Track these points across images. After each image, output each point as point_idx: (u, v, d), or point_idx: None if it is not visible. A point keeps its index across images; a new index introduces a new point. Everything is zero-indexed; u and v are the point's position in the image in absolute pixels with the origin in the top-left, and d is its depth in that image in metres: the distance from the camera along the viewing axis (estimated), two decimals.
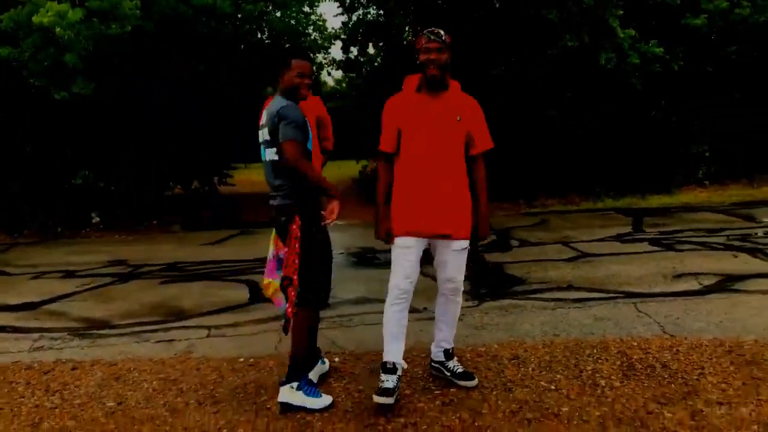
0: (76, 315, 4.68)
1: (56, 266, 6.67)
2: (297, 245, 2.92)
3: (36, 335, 4.21)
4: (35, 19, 7.64)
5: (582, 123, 10.10)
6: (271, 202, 3.07)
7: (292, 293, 2.94)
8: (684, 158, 10.60)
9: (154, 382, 3.34)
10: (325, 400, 2.96)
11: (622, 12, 8.73)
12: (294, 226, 2.93)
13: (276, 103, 2.99)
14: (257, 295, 4.96)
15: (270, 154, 3.02)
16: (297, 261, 2.92)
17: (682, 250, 5.80)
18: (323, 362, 3.35)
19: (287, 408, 2.90)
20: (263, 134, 3.05)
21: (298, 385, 2.94)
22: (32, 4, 7.85)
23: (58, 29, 7.67)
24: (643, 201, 9.42)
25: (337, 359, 3.55)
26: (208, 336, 4.06)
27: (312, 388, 2.98)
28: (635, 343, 3.56)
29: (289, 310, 2.93)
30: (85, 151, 9.45)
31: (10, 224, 9.29)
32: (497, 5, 10.60)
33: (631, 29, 8.69)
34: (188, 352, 3.78)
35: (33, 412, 3.01)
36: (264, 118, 3.06)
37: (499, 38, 9.85)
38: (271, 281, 3.18)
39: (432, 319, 3.37)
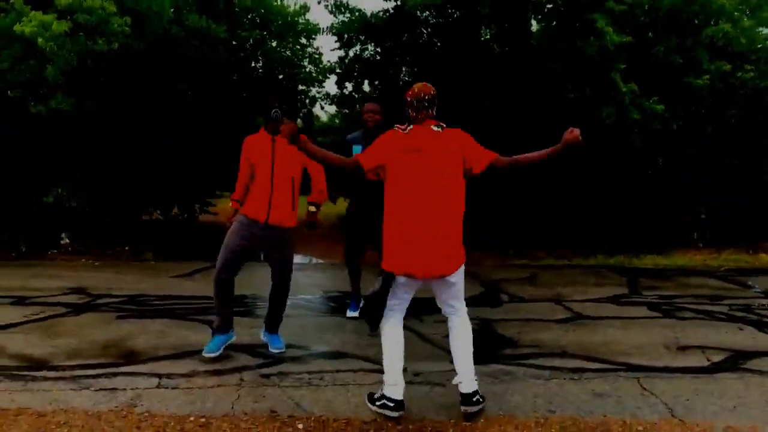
0: (14, 351, 4.16)
1: (10, 291, 6.15)
2: None
3: None
4: (17, 27, 7.30)
5: (577, 176, 9.84)
6: None
7: None
8: (679, 219, 10.33)
9: None
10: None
11: (624, 66, 8.55)
12: None
13: None
14: None
15: None
16: None
17: (684, 318, 5.41)
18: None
19: None
20: None
21: None
22: (16, 12, 7.52)
23: (40, 40, 7.32)
24: (637, 260, 9.09)
25: (300, 425, 3.08)
26: (158, 386, 3.57)
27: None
28: (641, 428, 3.14)
29: None
30: (59, 168, 8.98)
31: None
32: (497, 50, 10.46)
33: (633, 84, 8.50)
34: (131, 405, 3.29)
35: None
36: None
37: (497, 86, 9.64)
38: None
39: (410, 383, 3.52)
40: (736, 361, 4.20)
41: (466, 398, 3.22)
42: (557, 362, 4.11)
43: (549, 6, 9.95)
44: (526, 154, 3.20)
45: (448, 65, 9.55)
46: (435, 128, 3.21)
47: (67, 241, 9.58)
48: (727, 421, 3.23)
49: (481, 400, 3.26)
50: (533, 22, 10.44)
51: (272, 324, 4.31)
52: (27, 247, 9.11)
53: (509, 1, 9.40)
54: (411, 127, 3.23)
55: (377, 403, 3.22)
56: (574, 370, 3.94)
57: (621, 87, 8.42)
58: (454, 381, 3.29)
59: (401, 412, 3.15)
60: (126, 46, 7.98)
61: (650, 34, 9.43)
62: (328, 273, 7.93)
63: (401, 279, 3.15)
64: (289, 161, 4.05)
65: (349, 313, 5.35)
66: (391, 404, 3.15)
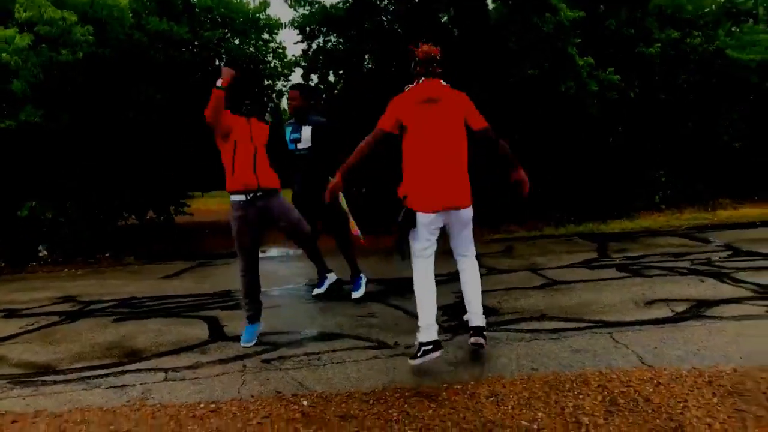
0: (18, 360, 4.30)
1: None
2: None
3: None
4: None
5: (542, 149, 10.18)
6: None
7: None
8: (641, 183, 10.78)
9: None
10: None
11: (579, 40, 8.88)
12: None
13: None
14: (217, 333, 4.69)
15: None
16: None
17: (650, 276, 5.78)
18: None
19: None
20: None
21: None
22: None
23: (4, 55, 7.32)
24: (604, 226, 9.49)
25: (305, 402, 3.32)
26: (165, 380, 3.76)
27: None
28: (615, 376, 3.45)
29: None
30: (31, 181, 8.97)
31: None
32: (456, 33, 10.68)
33: (590, 57, 8.84)
34: (143, 399, 3.48)
35: None
36: None
37: (459, 67, 9.87)
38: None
39: (403, 355, 3.88)
40: (698, 310, 4.57)
41: (476, 330, 3.68)
42: (537, 325, 4.42)
43: None
44: (507, 149, 3.78)
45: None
46: (443, 82, 3.65)
47: (45, 252, 9.58)
48: (692, 363, 3.57)
49: (485, 336, 3.73)
50: (489, 1, 10.70)
51: (321, 271, 5.36)
52: (5, 262, 9.11)
53: None
54: (422, 80, 3.62)
55: (418, 355, 3.48)
56: (553, 331, 4.25)
57: (578, 60, 8.76)
58: (465, 317, 3.83)
59: (442, 350, 3.50)
60: (91, 54, 7.99)
61: (601, 7, 9.79)
62: (307, 261, 8.10)
63: (424, 219, 3.49)
64: (261, 137, 4.41)
65: (315, 291, 5.68)
66: (429, 346, 3.46)
